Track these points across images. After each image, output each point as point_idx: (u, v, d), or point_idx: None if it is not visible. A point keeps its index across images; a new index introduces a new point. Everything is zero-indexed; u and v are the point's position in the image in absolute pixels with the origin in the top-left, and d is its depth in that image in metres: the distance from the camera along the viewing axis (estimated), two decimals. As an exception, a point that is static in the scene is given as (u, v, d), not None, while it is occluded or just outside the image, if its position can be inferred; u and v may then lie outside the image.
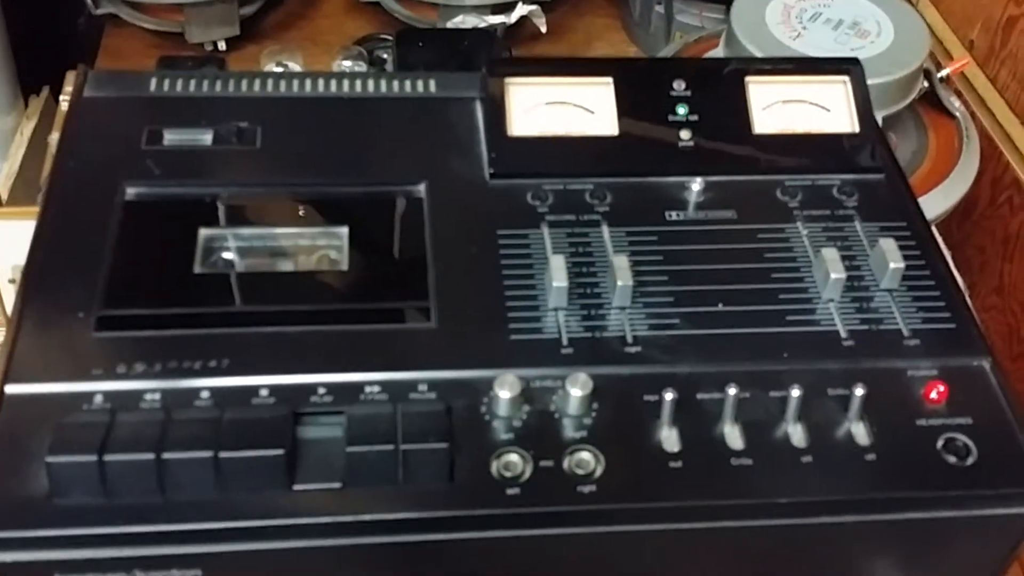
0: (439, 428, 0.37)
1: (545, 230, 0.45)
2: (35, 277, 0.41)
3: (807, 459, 0.38)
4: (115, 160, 0.46)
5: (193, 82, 0.49)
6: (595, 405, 0.39)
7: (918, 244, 0.45)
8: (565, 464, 0.37)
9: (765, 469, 0.37)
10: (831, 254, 0.43)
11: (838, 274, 0.42)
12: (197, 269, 0.43)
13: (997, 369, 0.41)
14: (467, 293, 0.42)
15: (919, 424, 0.39)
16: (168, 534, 0.35)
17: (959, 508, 0.38)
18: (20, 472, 0.35)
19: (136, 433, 0.36)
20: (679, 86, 0.49)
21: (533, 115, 0.48)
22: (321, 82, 0.50)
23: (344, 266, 0.43)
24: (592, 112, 0.48)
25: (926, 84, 0.68)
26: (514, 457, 0.37)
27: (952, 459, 0.38)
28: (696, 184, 0.47)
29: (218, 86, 0.49)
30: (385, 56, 0.76)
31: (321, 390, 0.38)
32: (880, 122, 0.55)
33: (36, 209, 0.54)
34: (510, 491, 0.36)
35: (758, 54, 0.63)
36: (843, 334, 0.42)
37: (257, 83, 0.50)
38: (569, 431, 0.38)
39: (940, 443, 0.39)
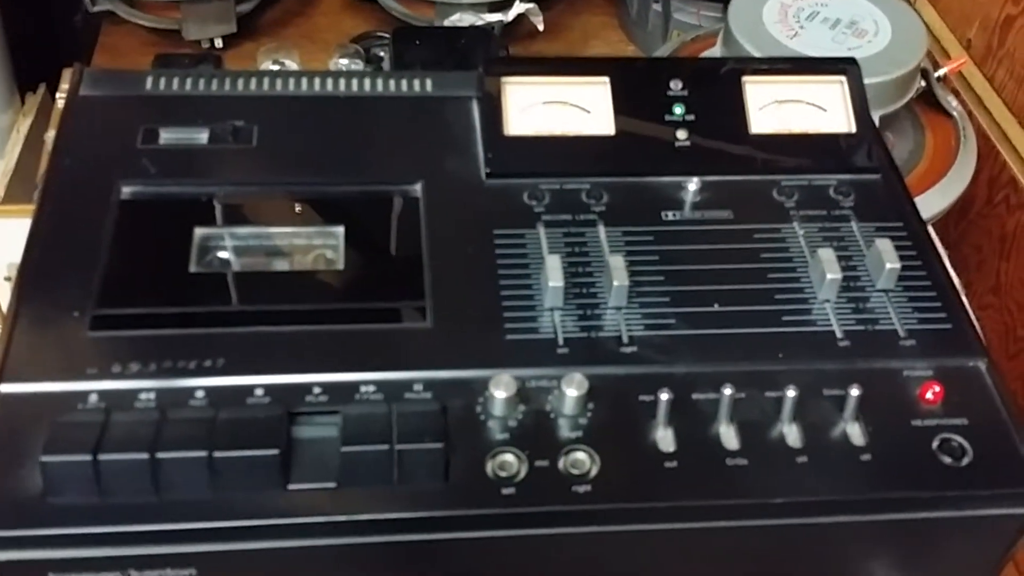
0: (434, 428, 0.37)
1: (541, 230, 0.45)
2: (30, 276, 0.41)
3: (802, 459, 0.38)
4: (111, 159, 0.46)
5: (189, 81, 0.49)
6: (591, 405, 0.39)
7: (914, 244, 0.45)
8: (560, 464, 0.37)
9: (761, 469, 0.37)
10: (827, 254, 0.43)
11: (834, 274, 0.42)
12: (192, 268, 0.42)
13: (993, 370, 0.41)
14: (463, 293, 0.42)
15: (914, 425, 0.39)
16: (162, 533, 0.35)
17: (954, 508, 0.38)
18: (14, 471, 0.35)
19: (131, 433, 0.35)
20: (676, 86, 0.49)
21: (530, 114, 0.48)
22: (318, 81, 0.50)
23: (340, 266, 0.43)
24: (589, 112, 0.48)
25: (923, 83, 0.68)
26: (509, 457, 0.37)
27: (947, 460, 0.38)
28: (692, 184, 0.47)
29: (214, 85, 0.49)
30: (382, 54, 0.76)
31: (316, 390, 0.38)
32: (877, 121, 0.55)
33: (32, 207, 0.54)
34: (505, 491, 0.36)
35: (755, 53, 0.63)
36: (839, 334, 0.42)
37: (254, 82, 0.50)
38: (564, 431, 0.38)
39: (935, 444, 0.39)
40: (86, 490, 0.35)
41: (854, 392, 0.38)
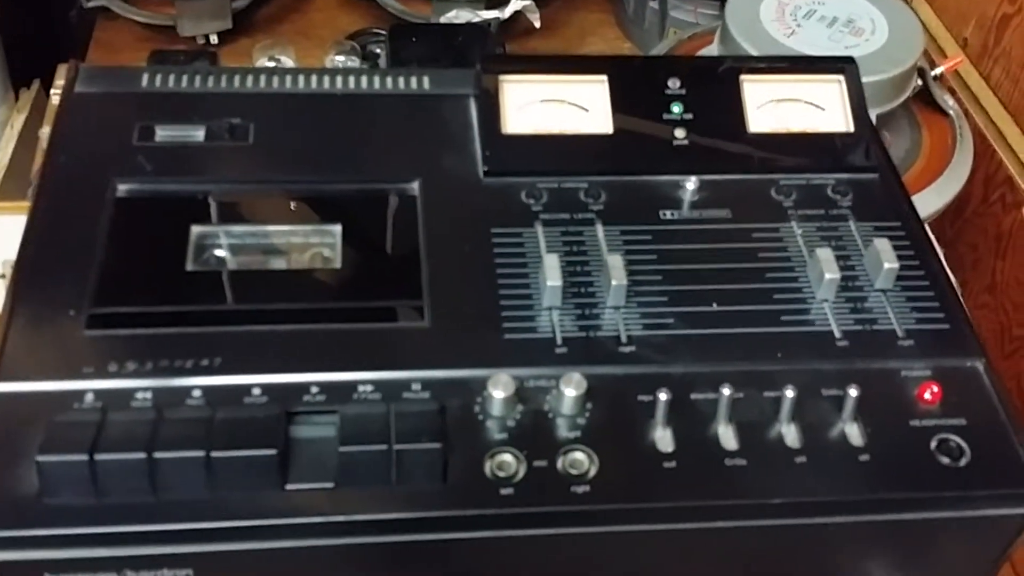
0: (432, 428, 0.36)
1: (539, 228, 0.45)
2: (25, 274, 0.41)
3: (801, 460, 0.38)
4: (107, 156, 0.45)
5: (185, 78, 0.49)
6: (589, 405, 0.39)
7: (912, 244, 0.45)
8: (559, 464, 0.37)
9: (759, 470, 0.37)
10: (826, 254, 0.43)
11: (833, 274, 0.42)
12: (189, 267, 0.42)
13: (991, 370, 0.41)
14: (461, 292, 0.42)
15: (913, 425, 0.39)
16: (159, 534, 0.35)
17: (952, 509, 0.38)
18: (10, 471, 0.35)
19: (127, 432, 0.35)
20: (674, 84, 0.49)
21: (527, 112, 0.48)
22: (315, 78, 0.50)
23: (337, 264, 0.43)
24: (587, 110, 0.48)
25: (920, 82, 0.68)
26: (508, 457, 0.37)
27: (945, 460, 0.38)
28: (691, 183, 0.47)
29: (210, 82, 0.49)
30: (378, 51, 0.75)
31: (314, 389, 0.38)
32: (874, 120, 0.55)
33: (26, 203, 0.54)
34: (504, 491, 0.36)
35: (752, 51, 0.63)
36: (837, 334, 0.42)
37: (250, 79, 0.49)
38: (563, 431, 0.38)
39: (934, 444, 0.39)
40: (82, 490, 0.35)
41: (852, 392, 0.38)
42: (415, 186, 0.46)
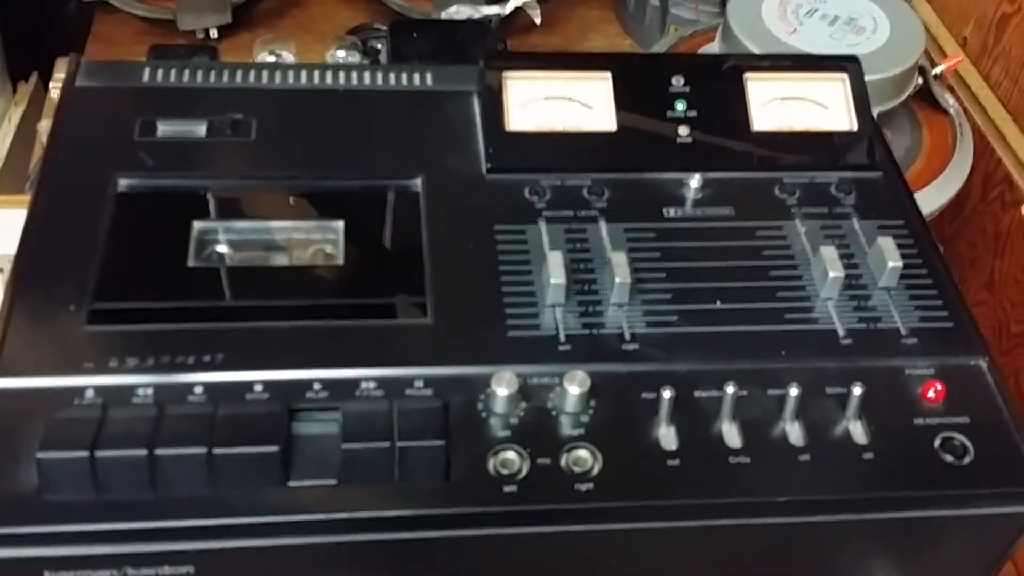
0: (435, 425, 0.36)
1: (542, 226, 0.44)
2: (26, 269, 0.41)
3: (805, 458, 0.38)
4: (107, 151, 0.45)
5: (187, 72, 0.49)
6: (593, 403, 0.38)
7: (916, 242, 0.45)
8: (562, 462, 0.37)
9: (763, 468, 0.37)
10: (829, 252, 0.43)
11: (836, 272, 0.42)
12: (191, 262, 0.42)
13: (994, 368, 0.41)
14: (464, 289, 0.42)
15: (916, 423, 0.39)
16: (160, 531, 0.35)
17: (956, 507, 0.38)
18: (10, 468, 0.35)
19: (128, 429, 0.35)
20: (678, 82, 0.49)
21: (531, 110, 0.48)
22: (317, 74, 0.50)
23: (339, 260, 0.43)
24: (590, 107, 0.48)
25: (920, 81, 0.68)
26: (511, 455, 0.37)
27: (949, 458, 0.38)
28: (694, 181, 0.47)
29: (212, 77, 0.49)
30: (379, 46, 0.75)
31: (316, 386, 0.38)
32: (875, 118, 0.55)
33: (24, 198, 0.54)
34: (507, 489, 0.36)
35: (754, 49, 0.63)
36: (841, 332, 0.42)
37: (252, 74, 0.49)
38: (566, 429, 0.38)
39: (937, 442, 0.39)
40: (83, 487, 0.34)
41: (856, 390, 0.38)
42: (418, 182, 0.46)
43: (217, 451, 0.35)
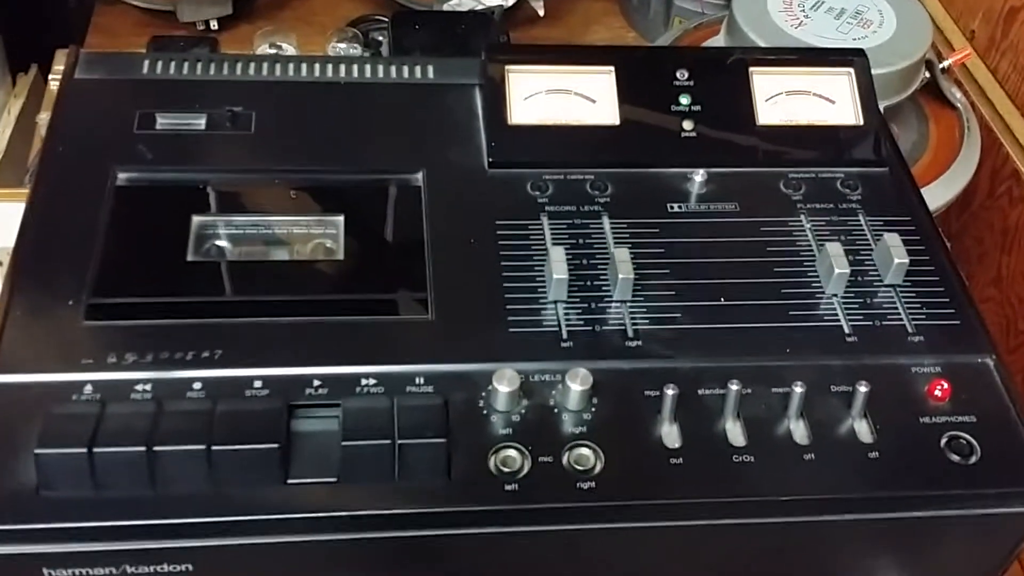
0: (436, 423, 0.36)
1: (545, 221, 0.44)
2: (24, 264, 0.40)
3: (809, 456, 0.37)
4: (106, 144, 0.45)
5: (187, 65, 0.48)
6: (595, 400, 0.38)
7: (922, 239, 0.45)
8: (564, 460, 0.37)
9: (767, 466, 0.37)
10: (835, 249, 0.42)
11: (842, 269, 0.42)
12: (190, 257, 0.42)
13: (1001, 366, 0.41)
14: (465, 285, 0.41)
15: (922, 422, 0.39)
16: (159, 528, 0.34)
17: (962, 507, 0.38)
18: (7, 464, 0.35)
19: (127, 425, 0.35)
20: (682, 76, 0.48)
21: (533, 103, 0.47)
22: (318, 66, 0.49)
23: (340, 255, 0.43)
24: (594, 101, 0.48)
25: (927, 75, 0.67)
26: (512, 452, 0.37)
27: (955, 457, 0.38)
28: (698, 176, 0.46)
29: (212, 69, 0.48)
30: (380, 38, 0.75)
31: (316, 382, 0.37)
32: (881, 111, 0.54)
33: (23, 191, 0.53)
34: (508, 487, 0.36)
35: (760, 42, 0.62)
36: (847, 330, 0.41)
37: (252, 67, 0.49)
38: (568, 426, 0.37)
39: (943, 441, 0.38)
40: (81, 484, 0.34)
41: (862, 388, 0.38)
42: (419, 177, 0.45)
43: (216, 448, 0.35)
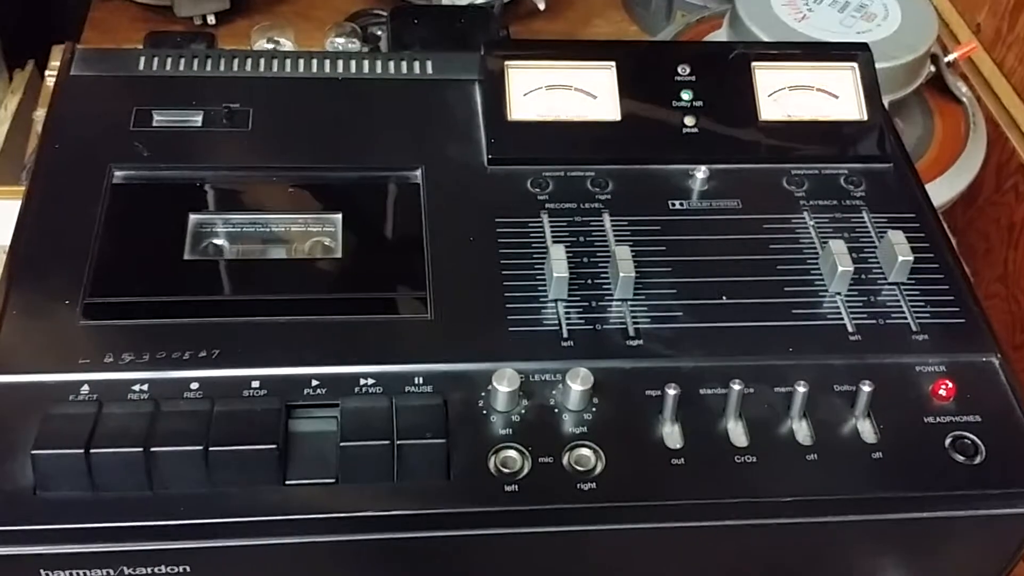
0: (436, 423, 0.36)
1: (545, 218, 0.44)
2: (20, 262, 0.40)
3: (812, 457, 0.37)
4: (103, 141, 0.44)
5: (183, 61, 0.48)
6: (595, 400, 0.38)
7: (927, 236, 0.44)
8: (564, 460, 0.36)
9: (769, 467, 0.37)
10: (839, 246, 0.42)
11: (845, 267, 0.41)
12: (187, 256, 0.41)
13: (1006, 365, 0.40)
14: (465, 283, 0.41)
15: (927, 422, 0.38)
16: (156, 529, 0.34)
17: (966, 508, 0.37)
18: (4, 465, 0.35)
19: (124, 426, 0.35)
20: (683, 71, 0.48)
21: (533, 99, 0.47)
22: (315, 63, 0.49)
23: (338, 254, 0.42)
24: (594, 97, 0.47)
25: (933, 69, 0.66)
26: (512, 453, 0.36)
27: (960, 458, 0.37)
28: (700, 172, 0.46)
29: (209, 65, 0.48)
30: (379, 33, 0.74)
31: (314, 382, 0.37)
32: (886, 107, 0.54)
33: (19, 188, 0.53)
34: (508, 488, 0.35)
35: (763, 36, 0.62)
36: (850, 328, 0.41)
37: (250, 63, 0.48)
38: (569, 426, 0.37)
39: (948, 441, 0.38)
40: (78, 484, 0.34)
41: (865, 388, 0.37)
42: (418, 174, 0.45)
43: (214, 449, 0.34)
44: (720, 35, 0.67)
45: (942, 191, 0.63)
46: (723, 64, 0.49)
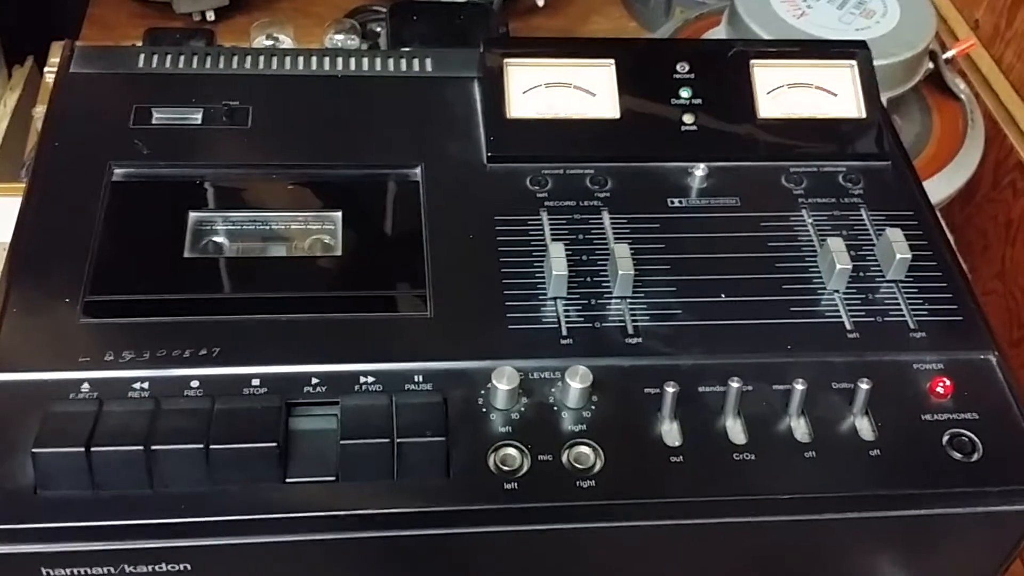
0: (436, 421, 0.36)
1: (544, 216, 0.44)
2: (20, 261, 0.40)
3: (810, 454, 0.37)
4: (102, 139, 0.44)
5: (183, 58, 0.48)
6: (595, 398, 0.38)
7: (925, 234, 0.44)
8: (564, 458, 0.36)
9: (768, 464, 0.37)
10: (837, 244, 0.42)
11: (844, 265, 0.41)
12: (187, 253, 0.41)
13: (1004, 363, 0.40)
14: (464, 281, 0.41)
15: (924, 419, 0.38)
16: (157, 527, 0.34)
17: (963, 505, 0.37)
18: (5, 463, 0.35)
19: (124, 424, 0.35)
20: (682, 68, 0.48)
21: (532, 96, 0.47)
22: (315, 60, 0.49)
23: (338, 251, 0.42)
24: (593, 94, 0.47)
25: (931, 65, 0.66)
26: (512, 451, 0.36)
27: (957, 455, 0.38)
28: (699, 170, 0.46)
29: (208, 63, 0.48)
30: (378, 29, 0.74)
31: (314, 380, 0.37)
32: (884, 104, 0.54)
33: (19, 185, 0.53)
34: (507, 486, 0.36)
35: (761, 33, 0.62)
36: (848, 326, 0.41)
37: (249, 60, 0.48)
38: (568, 424, 0.37)
39: (945, 439, 0.38)
40: (79, 483, 0.34)
41: (864, 386, 0.38)
42: (417, 171, 0.45)
43: (214, 447, 0.34)
44: (719, 31, 0.67)
45: (940, 188, 0.63)
46: (722, 62, 0.49)
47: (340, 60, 0.49)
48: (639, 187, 0.45)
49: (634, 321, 0.40)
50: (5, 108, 0.69)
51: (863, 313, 0.41)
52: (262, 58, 0.48)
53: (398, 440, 0.35)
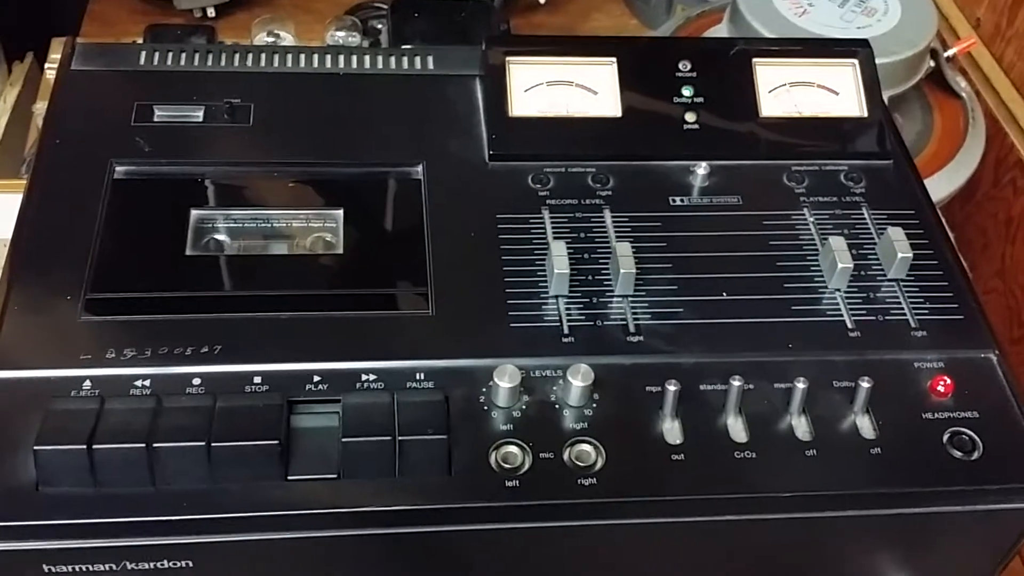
0: (437, 419, 0.36)
1: (546, 214, 0.44)
2: (21, 259, 0.40)
3: (811, 452, 0.37)
4: (104, 136, 0.44)
5: (184, 56, 0.48)
6: (596, 396, 0.38)
7: (926, 233, 0.44)
8: (565, 456, 0.36)
9: (769, 462, 0.37)
10: (838, 243, 0.42)
11: (845, 263, 0.41)
12: (188, 251, 0.41)
13: (1004, 362, 0.40)
14: (466, 279, 0.41)
15: (925, 418, 0.38)
16: (159, 524, 0.34)
17: (964, 503, 0.37)
18: (7, 460, 0.35)
19: (126, 421, 0.35)
20: (684, 67, 0.48)
21: (534, 95, 0.47)
22: (316, 58, 0.49)
23: (339, 250, 0.42)
24: (595, 93, 0.47)
25: (932, 64, 0.66)
26: (513, 449, 0.36)
27: (958, 454, 0.38)
28: (701, 168, 0.46)
29: (210, 60, 0.48)
30: (379, 26, 0.74)
31: (316, 378, 0.37)
32: (886, 102, 0.54)
33: (19, 181, 0.53)
34: (509, 483, 0.36)
35: (763, 31, 0.62)
36: (849, 325, 0.41)
37: (250, 58, 0.48)
38: (569, 422, 0.37)
39: (946, 437, 0.38)
40: (80, 480, 0.34)
41: (864, 384, 0.38)
42: (419, 170, 0.45)
43: (216, 444, 0.34)
44: (720, 29, 0.67)
45: (941, 186, 0.63)
46: (724, 60, 0.49)
47: (342, 58, 0.49)
48: (641, 185, 0.45)
49: (635, 319, 0.40)
50: (5, 104, 0.69)
51: (864, 312, 0.41)
52: (264, 56, 0.48)
53: (399, 438, 0.35)
